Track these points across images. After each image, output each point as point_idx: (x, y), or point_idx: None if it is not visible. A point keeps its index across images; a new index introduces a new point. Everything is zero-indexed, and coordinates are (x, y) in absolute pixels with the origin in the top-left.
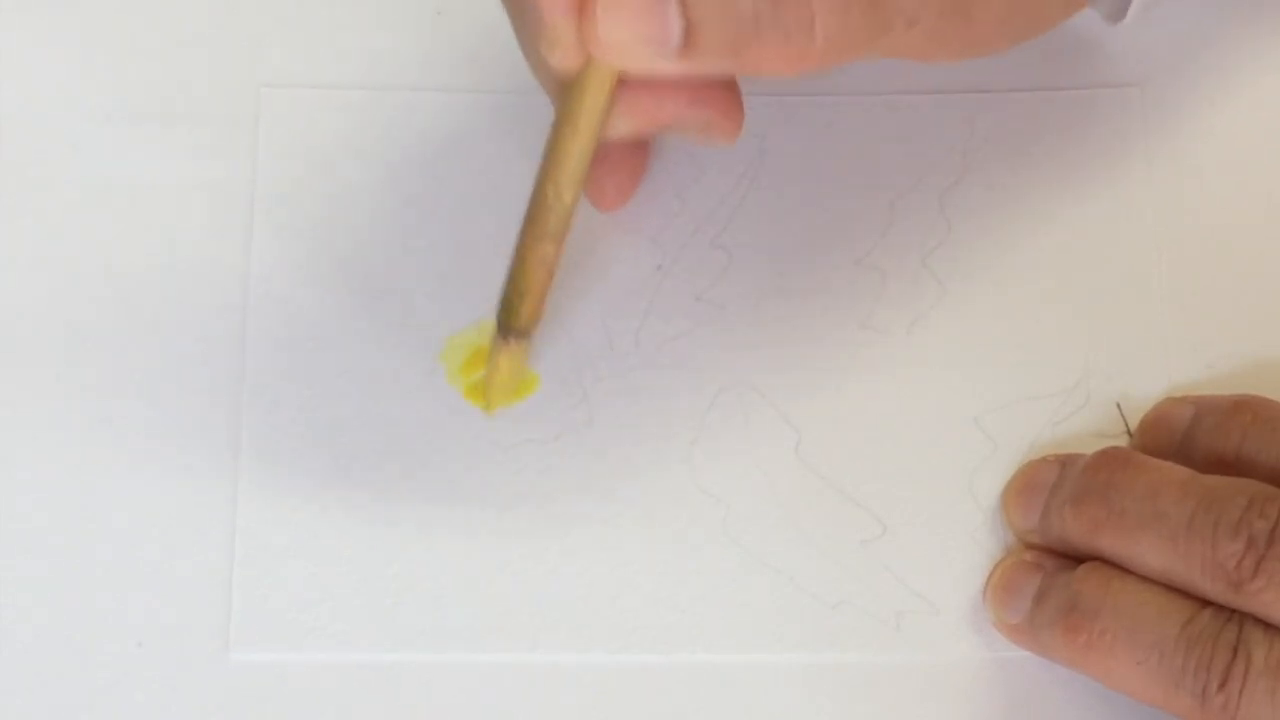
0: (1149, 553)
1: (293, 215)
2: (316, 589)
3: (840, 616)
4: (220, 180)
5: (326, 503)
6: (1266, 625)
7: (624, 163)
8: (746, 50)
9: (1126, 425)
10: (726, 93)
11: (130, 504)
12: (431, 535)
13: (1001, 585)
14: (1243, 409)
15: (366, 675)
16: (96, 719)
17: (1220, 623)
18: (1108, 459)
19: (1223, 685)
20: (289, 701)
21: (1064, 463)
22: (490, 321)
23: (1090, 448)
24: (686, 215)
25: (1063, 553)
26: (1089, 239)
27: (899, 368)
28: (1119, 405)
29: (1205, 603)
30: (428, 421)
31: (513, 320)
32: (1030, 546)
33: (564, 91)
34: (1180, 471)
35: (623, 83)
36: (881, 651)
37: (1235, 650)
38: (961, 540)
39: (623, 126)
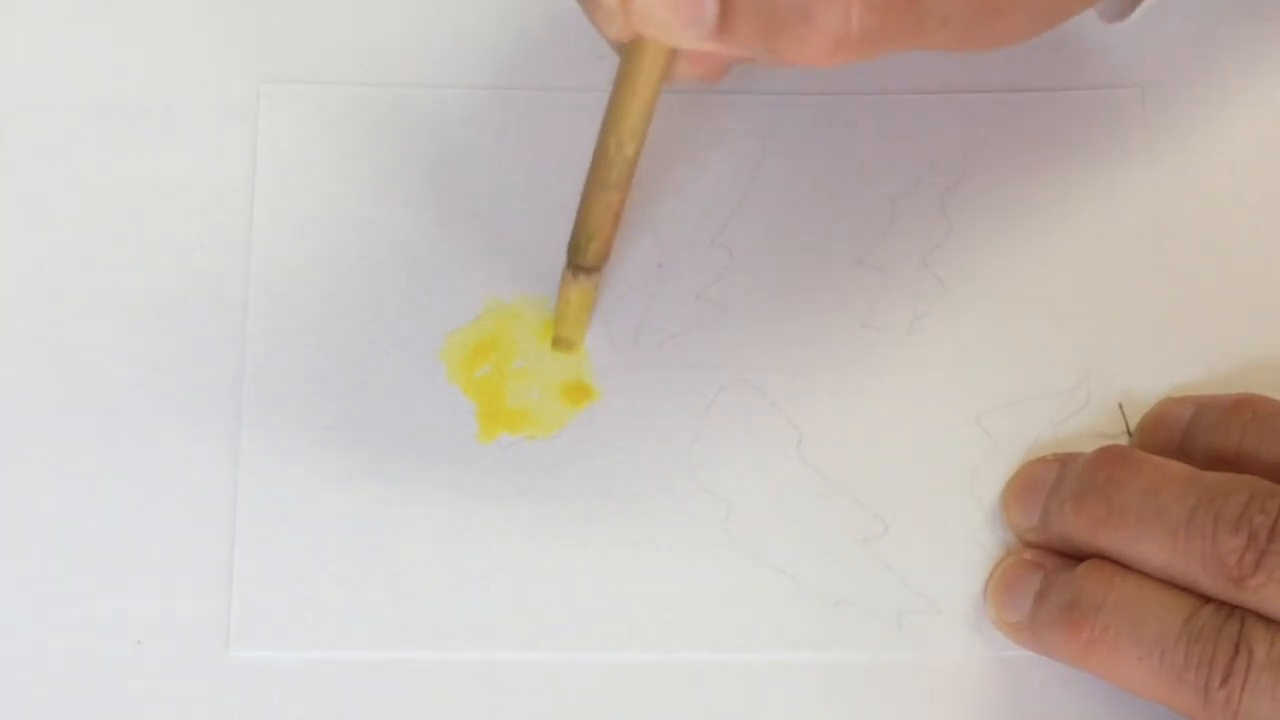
0: (1150, 549)
1: (293, 212)
2: (316, 588)
3: (841, 615)
4: (220, 177)
5: (326, 501)
6: (1268, 620)
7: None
8: (780, 38)
9: (1127, 425)
10: None
11: (130, 504)
12: (431, 534)
13: (1002, 584)
14: (1243, 406)
15: (366, 674)
16: (96, 718)
17: (1222, 618)
18: (1107, 456)
19: (1225, 681)
20: (289, 701)
21: (1063, 461)
22: (490, 318)
23: (1091, 448)
24: (687, 213)
25: (1063, 551)
26: (1089, 239)
27: (899, 367)
28: (1121, 405)
29: (1206, 599)
30: (428, 420)
31: (581, 259)
32: (1030, 545)
33: (623, 53)
34: (1180, 468)
35: None
36: (882, 650)
37: (1237, 646)
38: (962, 539)
39: (687, 74)
